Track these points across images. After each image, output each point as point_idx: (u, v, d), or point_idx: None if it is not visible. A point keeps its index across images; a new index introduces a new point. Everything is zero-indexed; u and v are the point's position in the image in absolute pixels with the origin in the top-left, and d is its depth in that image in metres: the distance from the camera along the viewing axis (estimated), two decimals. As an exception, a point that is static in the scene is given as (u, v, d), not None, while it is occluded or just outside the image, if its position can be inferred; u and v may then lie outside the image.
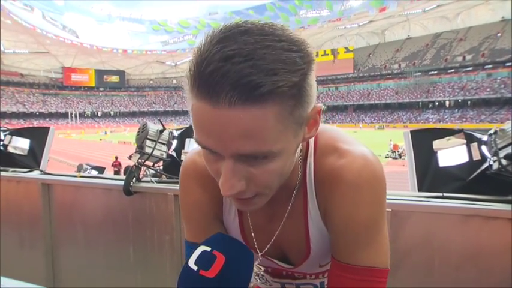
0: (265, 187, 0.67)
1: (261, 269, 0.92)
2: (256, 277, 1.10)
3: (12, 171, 3.01)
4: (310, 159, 0.80)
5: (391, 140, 26.97)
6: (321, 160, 0.78)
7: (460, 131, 2.07)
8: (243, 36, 0.57)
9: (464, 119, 57.08)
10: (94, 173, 8.55)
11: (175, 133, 2.65)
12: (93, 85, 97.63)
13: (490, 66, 63.09)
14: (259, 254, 0.90)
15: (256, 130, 0.57)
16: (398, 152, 24.89)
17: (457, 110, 62.62)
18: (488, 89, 59.42)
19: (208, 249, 0.69)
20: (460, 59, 69.14)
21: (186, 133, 2.70)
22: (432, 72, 72.53)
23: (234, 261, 0.68)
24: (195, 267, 0.66)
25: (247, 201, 0.69)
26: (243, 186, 0.64)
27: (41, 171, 2.99)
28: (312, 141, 0.81)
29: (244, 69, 0.54)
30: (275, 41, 0.57)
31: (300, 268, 0.92)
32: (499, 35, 63.69)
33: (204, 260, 0.67)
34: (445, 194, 1.83)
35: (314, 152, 0.80)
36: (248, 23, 0.59)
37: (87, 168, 8.94)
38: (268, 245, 0.88)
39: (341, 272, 0.75)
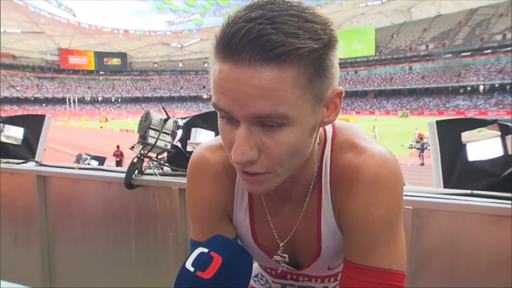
0: (277, 162, 0.69)
1: (283, 265, 0.95)
2: (254, 278, 1.15)
3: (5, 163, 3.04)
4: (327, 154, 0.82)
5: (416, 129, 26.66)
6: (338, 156, 0.81)
7: (494, 121, 2.03)
8: (268, 4, 0.64)
9: (501, 106, 55.41)
10: (94, 163, 8.68)
11: (181, 122, 2.66)
12: (93, 68, 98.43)
13: (536, 45, 61.13)
14: (280, 252, 0.93)
15: (273, 90, 0.62)
16: (423, 141, 24.58)
17: (493, 95, 61.26)
18: (532, 72, 57.57)
19: (206, 250, 0.74)
20: (499, 37, 67.22)
21: (192, 122, 2.72)
22: (465, 54, 71.01)
23: (231, 262, 0.72)
24: (192, 269, 0.71)
25: (256, 178, 0.71)
26: (255, 155, 0.67)
27: (37, 162, 3.02)
28: (329, 136, 0.84)
29: (266, 29, 0.60)
30: (299, 11, 0.64)
31: (307, 270, 0.95)
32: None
33: (201, 261, 0.72)
34: (474, 192, 1.80)
35: (331, 147, 0.83)
36: None
37: (87, 158, 9.06)
38: (282, 243, 0.91)
39: (354, 273, 0.77)
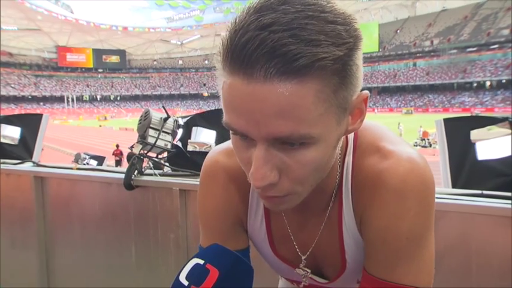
0: (298, 182, 0.64)
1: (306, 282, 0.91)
2: None
3: (1, 163, 3.03)
4: (349, 159, 0.77)
5: (420, 127, 26.68)
6: (361, 161, 0.76)
7: (505, 119, 2.00)
8: (282, 5, 0.55)
9: (508, 102, 55.23)
10: (93, 162, 8.69)
11: (181, 121, 2.64)
12: (91, 66, 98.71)
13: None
14: (302, 265, 0.88)
15: (294, 108, 0.55)
16: (428, 139, 24.66)
17: (499, 91, 61.09)
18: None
19: (202, 262, 0.69)
20: (506, 32, 66.94)
21: (193, 121, 2.69)
22: (471, 49, 71.07)
23: (228, 276, 0.67)
24: (186, 283, 0.66)
25: (276, 200, 0.67)
26: (276, 177, 0.62)
27: (34, 162, 3.01)
28: (351, 138, 0.78)
29: (283, 38, 0.52)
30: (318, 11, 0.56)
31: (335, 283, 0.89)
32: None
33: (196, 274, 0.67)
34: (484, 192, 1.77)
35: (353, 151, 0.77)
36: None
37: (86, 158, 9.06)
38: (305, 256, 0.87)
39: None
